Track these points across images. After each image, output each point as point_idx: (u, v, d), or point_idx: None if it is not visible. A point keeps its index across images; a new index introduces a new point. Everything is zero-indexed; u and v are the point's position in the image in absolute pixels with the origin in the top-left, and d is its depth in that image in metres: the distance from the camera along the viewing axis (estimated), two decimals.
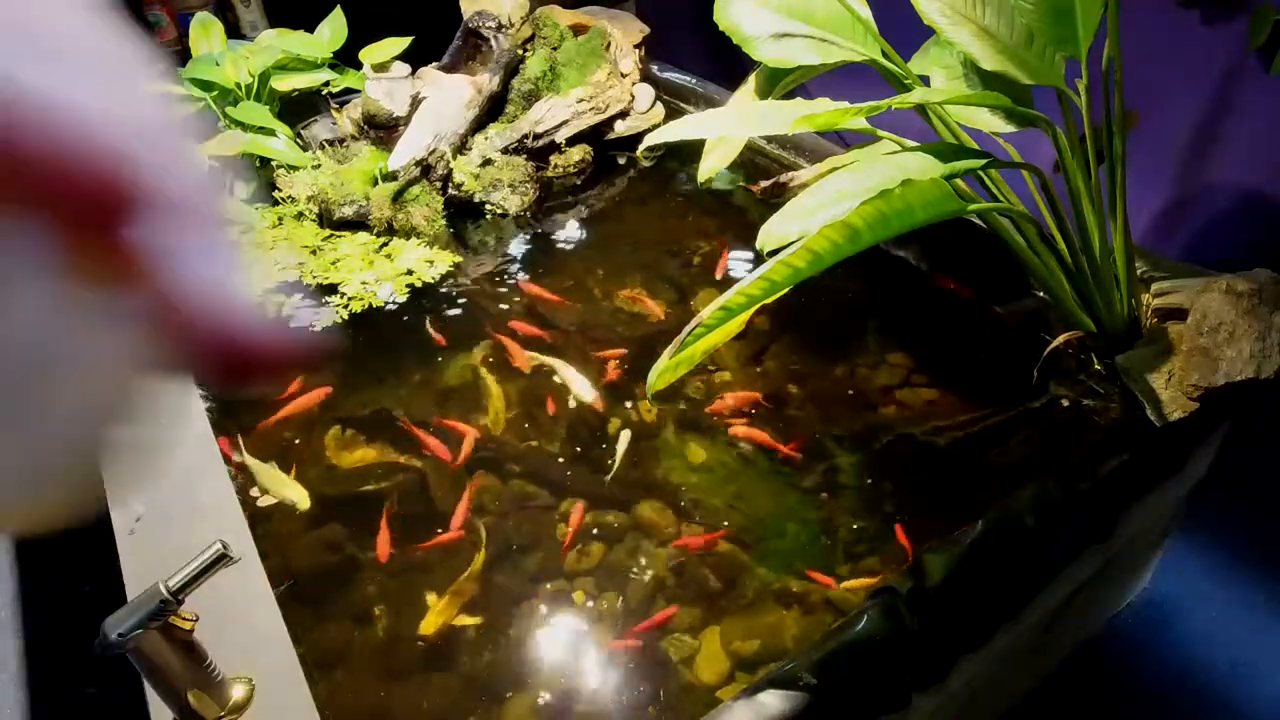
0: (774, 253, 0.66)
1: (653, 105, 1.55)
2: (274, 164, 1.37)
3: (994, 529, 0.73)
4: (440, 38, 1.51)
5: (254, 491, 0.91)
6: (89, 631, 0.55)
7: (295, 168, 1.37)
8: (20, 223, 0.15)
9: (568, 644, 0.78)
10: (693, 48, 1.73)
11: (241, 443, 0.96)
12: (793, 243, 0.65)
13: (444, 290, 1.23)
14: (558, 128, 1.46)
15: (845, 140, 1.41)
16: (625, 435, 0.96)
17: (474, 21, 1.47)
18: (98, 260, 0.16)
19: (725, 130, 0.83)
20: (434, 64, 1.50)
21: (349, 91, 1.47)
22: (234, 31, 1.73)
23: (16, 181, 0.15)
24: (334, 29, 1.44)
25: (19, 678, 1.20)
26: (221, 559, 0.56)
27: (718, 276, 1.21)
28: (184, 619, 0.58)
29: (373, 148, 1.42)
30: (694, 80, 1.59)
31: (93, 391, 0.17)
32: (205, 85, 1.30)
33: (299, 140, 1.42)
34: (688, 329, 0.65)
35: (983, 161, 0.76)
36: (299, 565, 0.84)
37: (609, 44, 1.52)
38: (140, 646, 0.56)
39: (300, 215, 1.37)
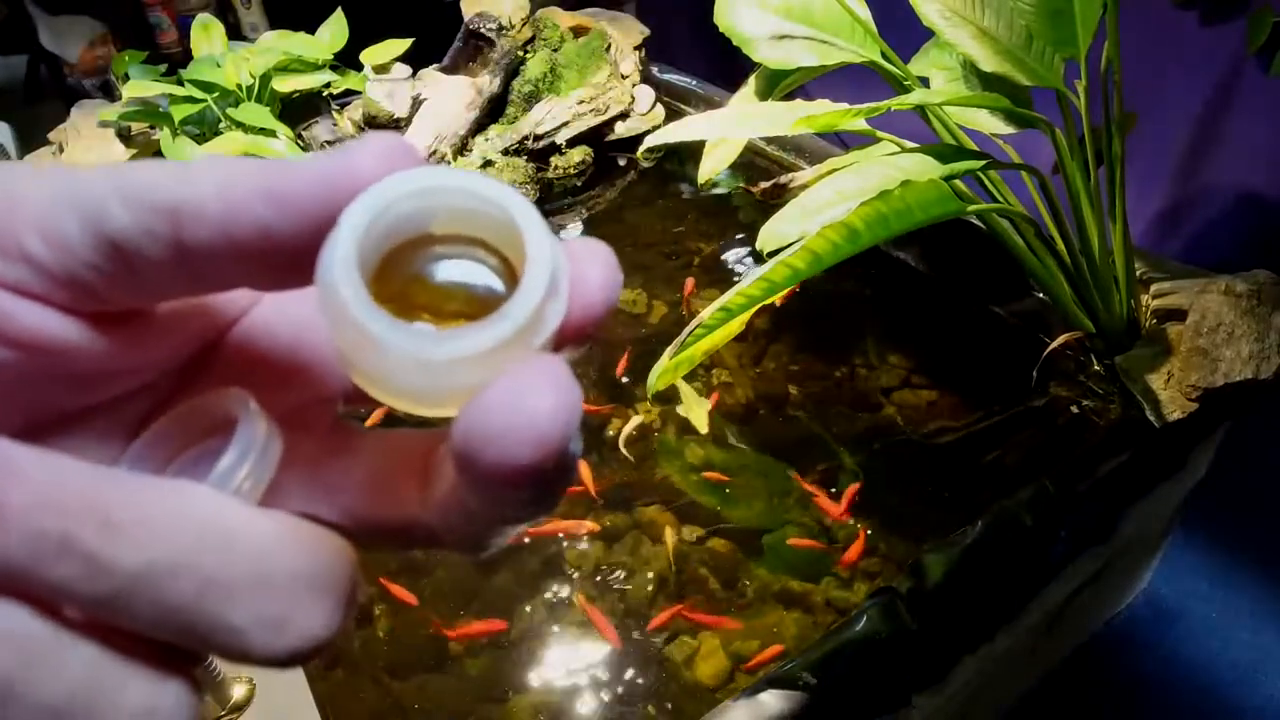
0: (774, 253, 0.66)
1: (653, 107, 1.56)
2: None
3: (993, 529, 0.73)
4: (441, 39, 1.51)
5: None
6: None
7: None
8: None
9: (568, 644, 0.78)
10: (693, 50, 1.73)
11: None
12: (792, 243, 0.65)
13: None
14: (558, 129, 1.46)
15: (845, 141, 1.42)
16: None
17: (475, 23, 1.48)
18: None
19: (725, 132, 0.83)
20: (435, 65, 1.50)
21: (350, 93, 1.47)
22: (235, 33, 1.73)
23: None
24: (335, 31, 1.44)
25: None
26: None
27: (688, 298, 1.19)
28: None
29: None
30: (694, 82, 1.59)
31: None
32: (206, 87, 1.30)
33: (299, 142, 1.42)
34: (688, 330, 0.65)
35: (982, 163, 0.77)
36: None
37: (609, 46, 1.52)
38: None
39: None
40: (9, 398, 0.15)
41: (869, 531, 0.84)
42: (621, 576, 0.83)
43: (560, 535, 0.86)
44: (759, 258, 0.69)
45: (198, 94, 1.29)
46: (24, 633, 0.12)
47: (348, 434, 0.18)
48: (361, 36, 1.47)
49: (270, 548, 0.14)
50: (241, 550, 0.14)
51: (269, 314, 0.19)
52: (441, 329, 0.14)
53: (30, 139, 1.42)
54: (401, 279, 0.15)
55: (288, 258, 0.15)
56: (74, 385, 0.16)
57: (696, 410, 0.91)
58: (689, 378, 0.96)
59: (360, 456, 0.18)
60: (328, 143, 1.44)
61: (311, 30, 1.45)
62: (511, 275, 0.15)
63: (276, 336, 0.19)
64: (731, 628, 0.78)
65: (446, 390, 0.14)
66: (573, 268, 0.15)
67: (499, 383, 0.13)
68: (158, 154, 1.29)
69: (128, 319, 0.16)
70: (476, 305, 0.15)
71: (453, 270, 0.15)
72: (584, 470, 0.91)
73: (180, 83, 1.30)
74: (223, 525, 0.14)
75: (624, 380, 1.04)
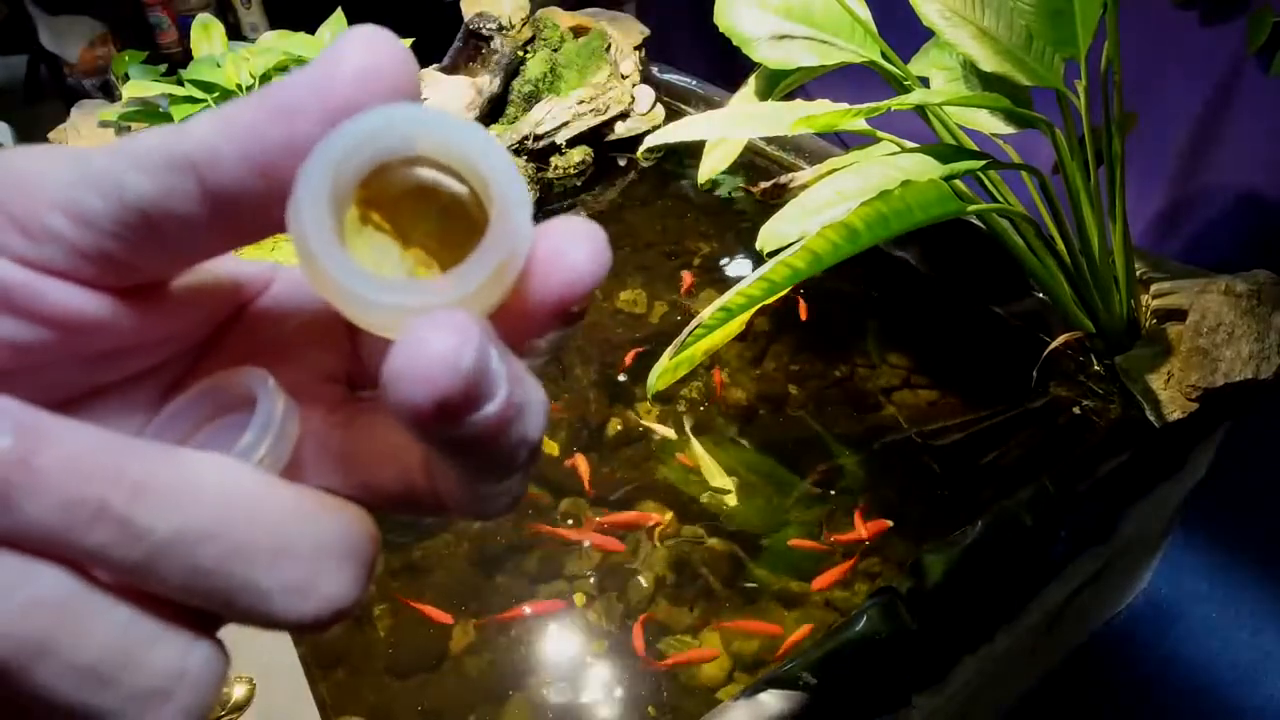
0: (774, 253, 0.66)
1: (653, 107, 1.56)
2: None
3: (993, 529, 0.73)
4: (441, 39, 1.51)
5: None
6: None
7: None
8: None
9: (568, 644, 0.78)
10: (693, 50, 1.73)
11: None
12: (792, 243, 0.65)
13: None
14: (558, 129, 1.47)
15: (845, 141, 1.42)
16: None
17: (474, 23, 1.48)
18: None
19: (725, 131, 0.83)
20: (434, 65, 1.50)
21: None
22: (235, 33, 1.73)
23: None
24: (335, 31, 1.44)
25: None
26: None
27: (686, 292, 1.19)
28: None
29: None
30: (694, 82, 1.59)
31: None
32: (207, 87, 1.30)
33: None
34: (688, 330, 0.65)
35: (982, 163, 0.77)
36: None
37: (609, 46, 1.52)
38: None
39: None
40: (36, 374, 0.16)
41: (868, 543, 0.84)
42: (621, 576, 0.83)
43: (628, 527, 0.87)
44: (759, 258, 0.69)
45: (198, 94, 1.29)
46: (60, 595, 0.13)
47: (357, 408, 0.19)
48: None
49: (294, 516, 0.14)
50: (267, 518, 0.14)
51: (283, 293, 0.19)
52: (406, 254, 0.15)
53: (30, 139, 1.42)
54: (379, 194, 0.15)
55: None
56: (98, 361, 0.16)
57: (720, 480, 0.90)
58: (689, 378, 0.96)
59: (369, 429, 0.18)
60: None
61: (311, 30, 1.45)
62: (480, 209, 0.16)
63: (290, 315, 0.19)
64: (774, 632, 0.77)
65: (390, 325, 0.14)
66: (560, 243, 0.16)
67: (404, 333, 0.14)
68: None
69: (150, 293, 0.16)
70: (439, 236, 0.16)
71: (428, 196, 0.16)
72: (582, 465, 0.91)
73: (180, 83, 1.30)
74: (249, 494, 0.14)
75: (621, 379, 1.04)
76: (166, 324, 0.17)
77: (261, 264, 0.20)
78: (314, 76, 0.15)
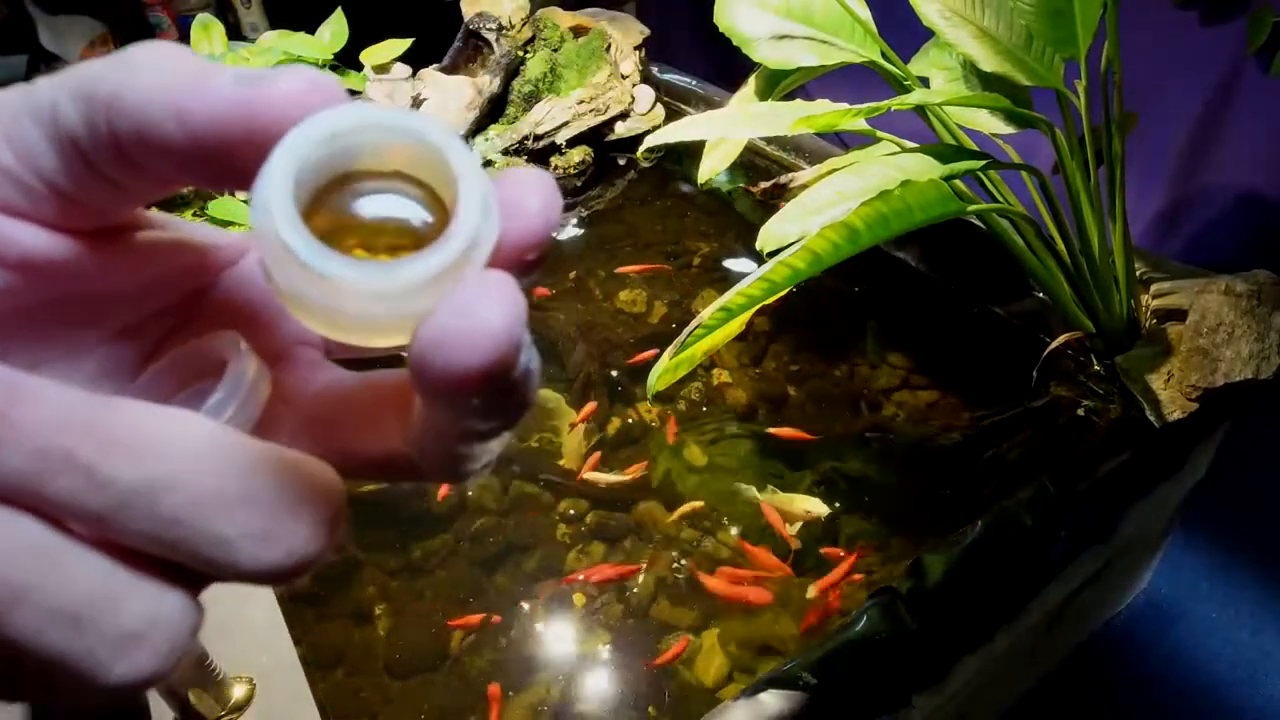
0: (774, 253, 0.66)
1: (653, 107, 1.56)
2: None
3: (993, 529, 0.73)
4: (441, 39, 1.51)
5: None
6: None
7: None
8: None
9: (568, 644, 0.78)
10: (693, 50, 1.73)
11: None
12: (792, 243, 0.65)
13: None
14: (558, 129, 1.47)
15: (845, 141, 1.42)
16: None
17: (474, 23, 1.48)
18: None
19: (725, 131, 0.83)
20: (435, 65, 1.50)
21: (350, 93, 1.47)
22: (235, 33, 1.73)
23: None
24: (335, 31, 1.44)
25: None
26: None
27: (635, 275, 1.20)
28: None
29: None
30: (694, 82, 1.60)
31: None
32: None
33: None
34: (688, 330, 0.65)
35: (982, 163, 0.77)
36: None
37: (609, 46, 1.52)
38: None
39: None
40: (10, 328, 0.16)
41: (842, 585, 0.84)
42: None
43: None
44: (759, 258, 0.69)
45: None
46: (37, 543, 0.13)
47: (334, 374, 0.19)
48: (361, 36, 1.47)
49: (258, 467, 0.15)
50: (232, 469, 0.14)
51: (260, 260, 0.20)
52: (384, 261, 0.14)
53: None
54: (329, 217, 0.15)
55: (201, 167, 0.15)
56: (69, 313, 0.17)
57: (808, 504, 0.87)
58: (689, 378, 0.96)
59: (345, 395, 0.19)
60: None
61: (311, 30, 1.45)
62: (437, 203, 0.16)
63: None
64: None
65: (399, 318, 0.14)
66: (512, 193, 0.16)
67: (448, 297, 0.14)
68: None
69: (114, 239, 0.17)
70: (407, 236, 0.15)
71: (378, 205, 0.16)
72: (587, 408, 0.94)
73: None
74: (215, 446, 0.14)
75: (614, 375, 1.04)
76: (135, 272, 0.18)
77: (237, 234, 0.20)
78: (233, 100, 0.14)
